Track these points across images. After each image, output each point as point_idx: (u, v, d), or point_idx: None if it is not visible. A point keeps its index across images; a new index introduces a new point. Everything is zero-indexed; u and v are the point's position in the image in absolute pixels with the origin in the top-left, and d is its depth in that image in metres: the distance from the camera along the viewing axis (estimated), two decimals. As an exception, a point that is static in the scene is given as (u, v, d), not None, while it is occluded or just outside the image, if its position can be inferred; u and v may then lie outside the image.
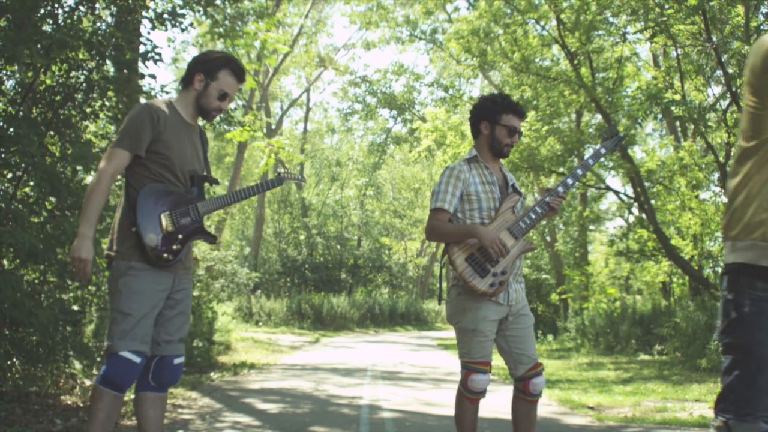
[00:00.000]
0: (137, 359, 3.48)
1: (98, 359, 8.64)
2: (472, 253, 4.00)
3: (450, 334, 31.25)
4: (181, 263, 3.75)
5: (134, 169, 3.64)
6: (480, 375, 4.02)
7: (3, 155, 6.69)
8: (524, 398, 4.20)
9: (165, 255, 3.60)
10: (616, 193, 20.15)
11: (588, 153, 21.76)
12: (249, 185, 4.08)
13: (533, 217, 4.18)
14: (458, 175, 4.10)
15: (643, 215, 17.67)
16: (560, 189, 4.25)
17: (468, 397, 4.07)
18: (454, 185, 4.08)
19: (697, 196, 17.70)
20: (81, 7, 7.66)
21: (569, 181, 4.31)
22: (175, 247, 3.64)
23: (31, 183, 7.19)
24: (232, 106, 10.79)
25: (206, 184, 3.93)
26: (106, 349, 3.52)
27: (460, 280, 4.00)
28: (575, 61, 16.41)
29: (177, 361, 3.72)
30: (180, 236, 3.66)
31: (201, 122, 4.21)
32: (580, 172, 4.38)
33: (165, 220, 3.63)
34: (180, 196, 3.71)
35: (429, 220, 4.11)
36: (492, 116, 4.18)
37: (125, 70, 8.35)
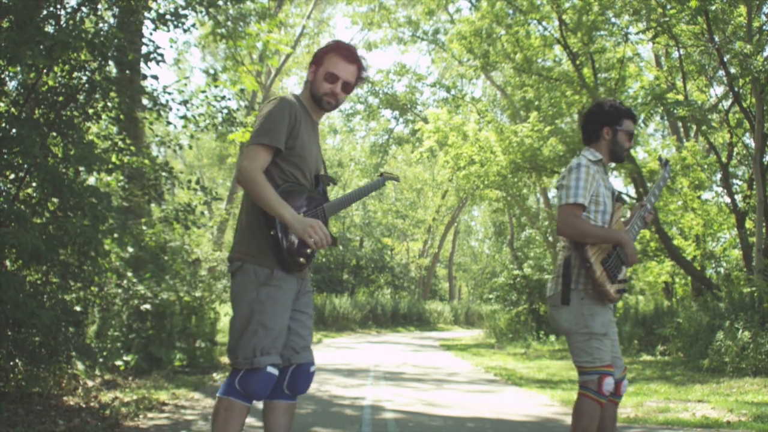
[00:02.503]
0: (276, 372, 3.39)
1: (100, 360, 8.66)
2: (605, 258, 4.01)
3: (451, 334, 31.25)
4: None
5: (268, 169, 3.44)
6: (611, 378, 4.00)
7: (5, 156, 6.70)
8: (613, 399, 4.19)
9: (301, 259, 3.49)
10: (619, 193, 20.11)
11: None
12: (359, 186, 3.97)
13: (636, 229, 4.29)
14: (594, 174, 4.09)
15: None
16: (648, 206, 4.37)
17: (600, 402, 3.99)
18: (590, 183, 4.07)
19: (699, 197, 17.70)
20: (83, 8, 7.66)
21: (653, 199, 4.43)
22: (309, 250, 3.52)
23: (34, 184, 7.20)
24: (233, 106, 10.79)
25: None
26: (238, 361, 3.37)
27: (595, 283, 3.99)
28: (577, 62, 16.40)
29: (312, 368, 3.61)
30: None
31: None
32: (657, 192, 4.48)
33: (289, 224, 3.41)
34: (310, 196, 3.59)
35: (565, 213, 4.01)
36: (614, 121, 4.22)
37: (127, 71, 8.37)
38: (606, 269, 3.98)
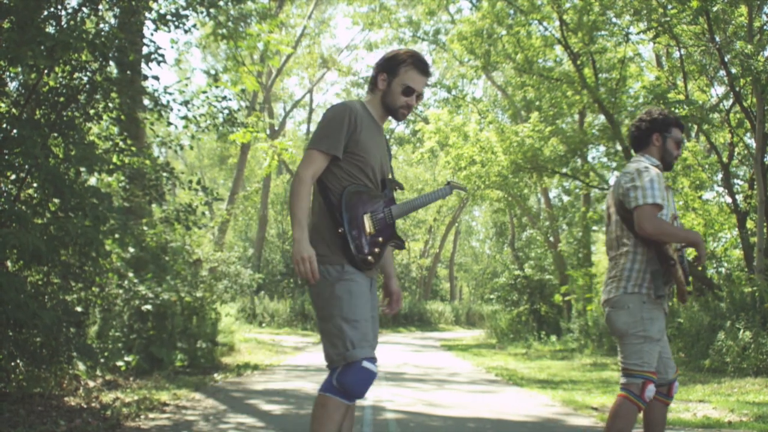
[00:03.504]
0: (372, 367, 3.38)
1: (101, 360, 8.66)
2: (679, 261, 4.09)
3: (452, 335, 31.25)
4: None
5: (331, 170, 3.51)
6: (653, 384, 4.04)
7: (6, 157, 6.70)
8: (664, 400, 4.25)
9: (369, 258, 3.50)
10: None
11: (591, 153, 21.77)
12: (426, 193, 3.96)
13: None
14: (660, 177, 4.14)
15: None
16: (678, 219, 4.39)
17: (641, 407, 4.04)
18: (661, 185, 4.11)
19: (700, 197, 17.68)
20: (84, 9, 7.67)
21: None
22: (377, 249, 3.54)
23: (35, 184, 7.20)
24: (234, 107, 10.80)
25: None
26: (333, 359, 3.38)
27: (679, 286, 4.07)
28: (578, 62, 16.40)
29: (368, 364, 3.47)
30: (380, 239, 3.56)
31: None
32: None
33: (368, 222, 3.52)
34: (376, 198, 3.60)
35: (647, 213, 4.02)
36: (664, 129, 4.31)
37: (128, 72, 8.36)
38: (683, 269, 4.09)
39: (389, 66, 3.63)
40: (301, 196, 3.37)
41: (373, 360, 3.39)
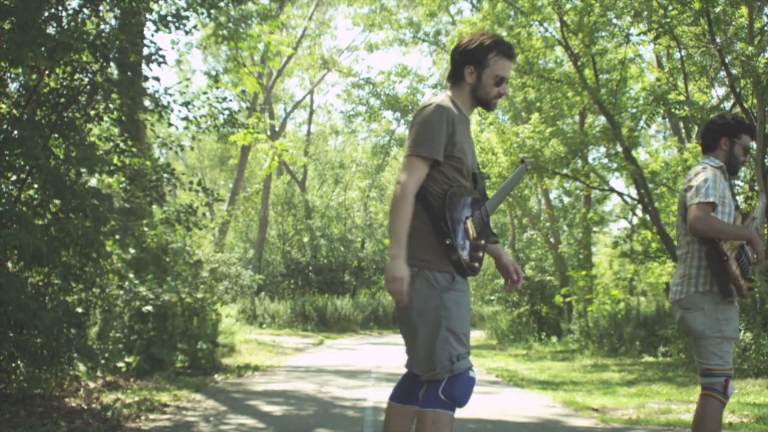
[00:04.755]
0: (475, 376, 3.33)
1: (102, 361, 8.66)
2: (738, 255, 4.12)
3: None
4: None
5: (431, 174, 3.31)
6: (733, 381, 4.11)
7: (7, 157, 6.70)
8: (722, 400, 4.22)
9: (476, 264, 3.37)
10: (620, 194, 20.15)
11: (591, 155, 21.78)
12: (508, 178, 3.82)
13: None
14: (721, 177, 4.19)
15: (647, 216, 17.66)
16: (758, 220, 4.40)
17: (725, 403, 4.10)
18: (718, 184, 4.15)
19: (701, 198, 17.65)
20: (85, 10, 7.68)
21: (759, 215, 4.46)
22: (480, 254, 3.41)
23: (36, 185, 7.21)
24: (235, 108, 10.81)
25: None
26: (436, 372, 3.26)
27: (732, 278, 4.08)
28: (579, 63, 16.41)
29: (472, 373, 3.40)
30: (482, 242, 3.42)
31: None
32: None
33: (471, 227, 3.35)
34: (473, 199, 3.44)
35: (698, 212, 4.08)
36: (734, 134, 4.34)
37: (129, 73, 8.37)
38: (739, 265, 4.09)
39: (476, 57, 3.43)
40: (404, 208, 3.20)
41: (473, 369, 3.32)
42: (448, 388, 3.26)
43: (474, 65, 3.43)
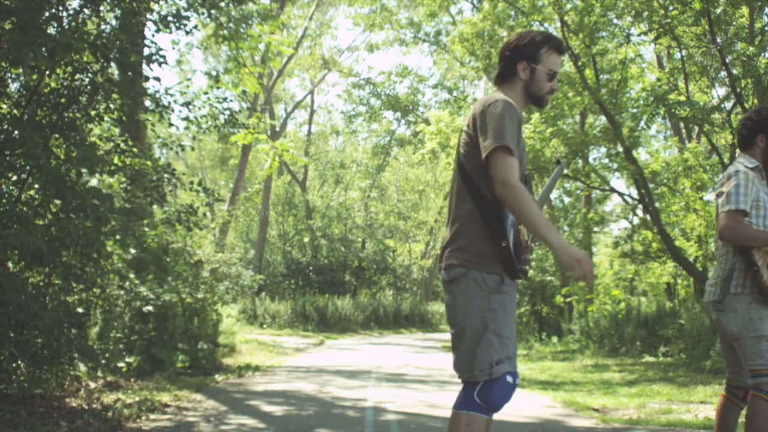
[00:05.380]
0: (513, 382, 3.25)
1: (102, 361, 8.66)
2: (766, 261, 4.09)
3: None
4: None
5: (486, 172, 3.22)
6: None
7: (8, 158, 6.71)
8: (739, 404, 4.28)
9: (527, 267, 3.33)
10: (621, 194, 20.15)
11: (592, 155, 21.79)
12: (549, 179, 3.76)
13: None
14: (753, 180, 4.15)
15: (648, 217, 17.64)
16: None
17: None
18: (750, 188, 4.12)
19: (701, 198, 17.68)
20: (85, 10, 7.68)
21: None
22: (530, 257, 3.38)
23: (36, 185, 7.21)
24: (236, 108, 10.81)
25: None
26: (474, 374, 3.24)
27: (763, 287, 4.06)
28: (579, 63, 16.40)
29: (517, 380, 3.37)
30: (532, 244, 3.38)
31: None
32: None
33: (524, 229, 3.28)
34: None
35: (728, 221, 4.09)
36: None
37: (129, 73, 8.37)
38: None
39: (528, 52, 3.41)
40: (528, 201, 3.09)
41: (513, 374, 3.26)
42: (484, 391, 3.23)
43: (527, 61, 3.41)
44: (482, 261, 3.22)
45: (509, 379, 3.22)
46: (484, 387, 3.22)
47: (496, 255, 3.21)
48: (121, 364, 9.29)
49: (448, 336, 25.18)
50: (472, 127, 3.31)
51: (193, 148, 10.44)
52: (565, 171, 18.15)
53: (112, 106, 8.12)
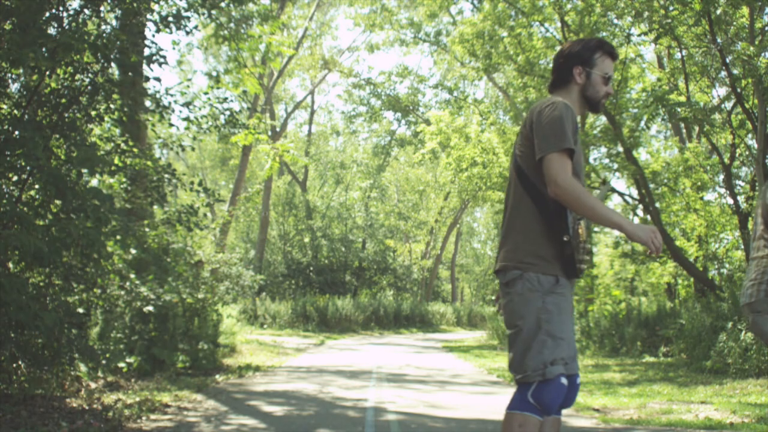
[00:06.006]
0: (566, 383, 3.24)
1: (103, 362, 8.66)
2: None
3: (454, 336, 31.23)
4: None
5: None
6: None
7: (8, 158, 6.70)
8: None
9: (584, 267, 3.31)
10: (621, 194, 20.14)
11: (592, 155, 21.79)
12: (597, 194, 3.77)
13: None
14: None
15: (648, 217, 17.64)
16: None
17: None
18: None
19: (702, 198, 17.68)
20: (86, 10, 7.68)
21: None
22: (588, 257, 3.35)
23: (36, 186, 7.21)
24: (236, 108, 10.81)
25: None
26: (527, 374, 3.21)
27: None
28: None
29: (578, 380, 3.39)
30: (588, 245, 3.35)
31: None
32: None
33: (583, 228, 3.31)
34: None
35: None
36: None
37: (130, 73, 8.37)
38: None
39: (584, 57, 3.48)
40: (584, 194, 3.14)
41: (566, 375, 3.25)
42: (538, 392, 3.22)
43: (582, 65, 3.48)
44: (538, 262, 3.25)
45: (563, 381, 3.22)
46: (538, 388, 3.22)
47: (553, 255, 3.25)
48: (121, 365, 9.29)
49: (448, 336, 25.34)
50: (529, 128, 3.35)
51: (193, 149, 10.43)
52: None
53: (112, 106, 8.12)
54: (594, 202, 3.14)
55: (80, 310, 8.02)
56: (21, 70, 7.37)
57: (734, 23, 13.57)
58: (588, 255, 3.36)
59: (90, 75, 7.67)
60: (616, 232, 27.46)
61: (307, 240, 36.85)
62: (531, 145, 3.32)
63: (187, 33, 8.89)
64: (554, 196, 3.19)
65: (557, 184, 3.15)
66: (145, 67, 8.57)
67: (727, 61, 13.14)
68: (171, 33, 8.51)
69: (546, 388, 3.20)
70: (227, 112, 9.93)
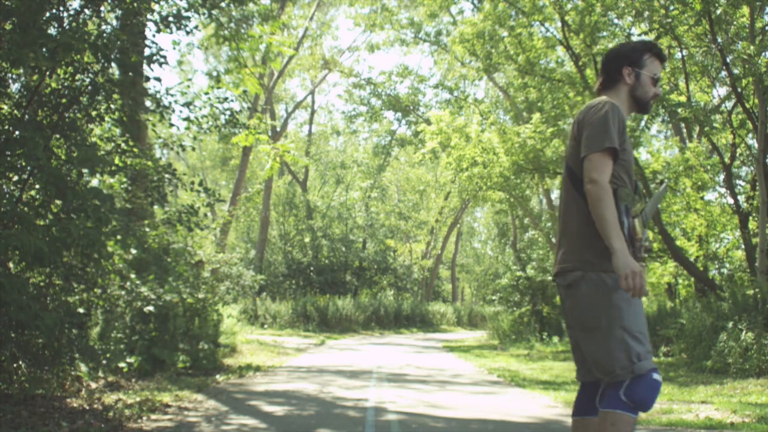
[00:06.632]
0: (660, 378, 3.23)
1: (104, 362, 8.66)
2: None
3: (454, 336, 31.24)
4: None
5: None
6: None
7: (9, 158, 6.71)
8: None
9: (643, 264, 3.36)
10: None
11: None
12: (652, 197, 3.75)
13: None
14: None
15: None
16: None
17: None
18: None
19: (702, 197, 17.68)
20: (86, 10, 7.68)
21: None
22: (645, 255, 3.39)
23: (37, 186, 7.21)
24: (236, 108, 10.81)
25: None
26: (616, 373, 3.20)
27: None
28: (580, 63, 16.40)
29: (656, 376, 3.31)
30: (647, 242, 3.39)
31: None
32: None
33: (638, 226, 3.33)
34: (636, 200, 3.42)
35: None
36: None
37: (130, 73, 8.37)
38: None
39: (633, 58, 3.53)
40: (609, 203, 3.17)
41: (658, 371, 3.24)
42: (630, 389, 3.20)
43: (631, 66, 3.52)
44: (598, 261, 3.26)
45: (655, 375, 3.22)
46: (630, 385, 3.21)
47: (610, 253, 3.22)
48: (122, 365, 9.29)
49: (448, 336, 25.30)
50: (577, 129, 3.39)
51: (193, 149, 10.44)
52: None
53: (112, 106, 8.13)
54: (609, 215, 3.15)
55: (81, 310, 8.02)
56: (21, 70, 7.38)
57: (734, 23, 13.58)
58: (647, 251, 3.38)
59: (90, 75, 7.67)
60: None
61: (307, 240, 36.85)
62: (578, 145, 3.36)
63: (188, 33, 8.89)
64: (585, 192, 3.23)
65: (592, 181, 3.20)
66: (145, 67, 8.56)
67: (728, 60, 13.14)
68: (171, 33, 8.51)
69: (638, 385, 3.20)
70: (228, 112, 9.93)
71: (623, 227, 3.24)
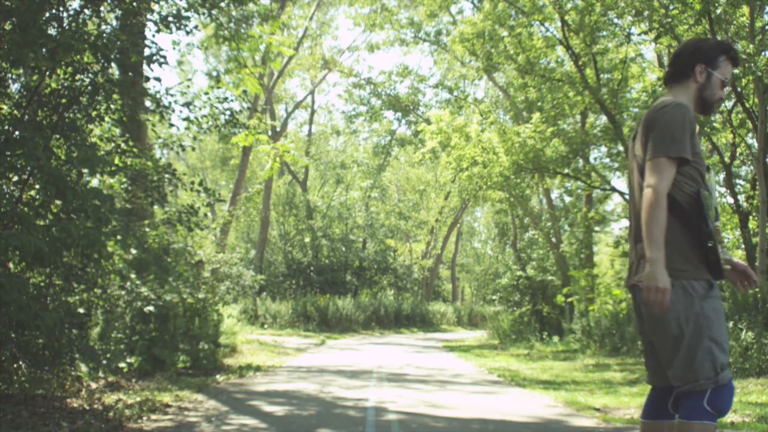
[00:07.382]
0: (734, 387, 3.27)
1: (104, 362, 8.66)
2: None
3: (454, 336, 31.24)
4: None
5: (677, 177, 3.25)
6: None
7: (8, 158, 6.71)
8: None
9: (727, 267, 3.31)
10: (622, 194, 20.13)
11: (593, 154, 21.80)
12: None
13: None
14: None
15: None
16: None
17: None
18: None
19: (702, 197, 17.65)
20: (86, 11, 7.68)
21: None
22: (727, 257, 3.33)
23: (37, 186, 7.21)
24: (236, 108, 10.80)
25: None
26: (699, 383, 3.17)
27: None
28: (580, 63, 16.41)
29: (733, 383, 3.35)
30: (722, 248, 3.29)
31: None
32: None
33: (717, 230, 3.28)
34: (713, 203, 3.35)
35: None
36: None
37: (130, 73, 8.37)
38: None
39: (708, 57, 3.44)
40: (659, 212, 3.12)
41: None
42: (714, 398, 3.19)
43: (705, 64, 3.44)
44: (687, 268, 3.22)
45: (732, 384, 3.23)
46: (713, 394, 3.20)
47: (699, 260, 3.21)
48: (122, 365, 9.29)
49: (449, 336, 25.29)
50: (644, 133, 3.33)
51: (193, 149, 10.43)
52: (566, 170, 18.15)
53: (112, 106, 8.12)
54: (657, 223, 3.13)
55: (81, 310, 8.02)
56: (21, 71, 7.38)
57: (734, 22, 13.57)
58: (727, 255, 3.34)
59: (90, 75, 7.67)
60: (617, 231, 27.34)
61: (307, 240, 36.84)
62: (646, 146, 3.31)
63: (187, 33, 8.90)
64: (643, 193, 3.20)
65: (652, 187, 3.15)
66: (145, 67, 8.56)
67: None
68: (171, 33, 8.51)
69: (721, 394, 3.19)
70: (227, 112, 9.92)
71: (709, 232, 3.20)
